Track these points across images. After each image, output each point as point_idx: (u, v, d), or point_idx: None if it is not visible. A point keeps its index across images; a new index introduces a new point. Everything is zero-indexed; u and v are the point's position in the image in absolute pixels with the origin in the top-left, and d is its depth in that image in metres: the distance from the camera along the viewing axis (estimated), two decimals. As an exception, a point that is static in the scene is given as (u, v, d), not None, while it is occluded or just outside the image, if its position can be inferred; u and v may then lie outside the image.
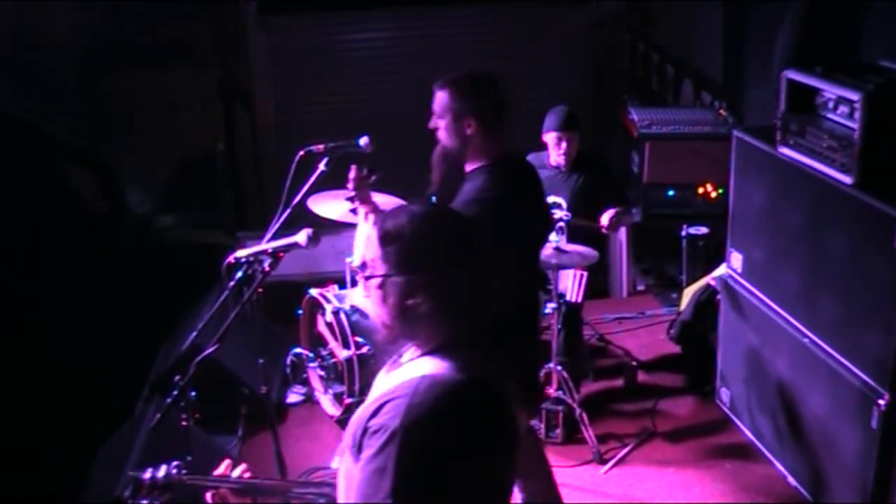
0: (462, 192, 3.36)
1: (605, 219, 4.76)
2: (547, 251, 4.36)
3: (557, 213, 4.74)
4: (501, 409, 1.93)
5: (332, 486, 2.02)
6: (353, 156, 3.67)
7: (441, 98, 3.34)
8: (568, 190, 4.91)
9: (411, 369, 1.90)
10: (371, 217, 3.55)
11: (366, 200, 3.58)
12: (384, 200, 4.27)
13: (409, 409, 1.78)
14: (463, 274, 1.92)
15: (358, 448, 1.83)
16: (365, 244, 1.98)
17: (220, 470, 2.13)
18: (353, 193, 3.57)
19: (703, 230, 5.71)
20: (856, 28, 4.46)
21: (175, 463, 2.04)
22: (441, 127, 3.37)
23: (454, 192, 3.41)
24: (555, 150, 4.91)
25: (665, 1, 7.25)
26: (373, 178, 3.56)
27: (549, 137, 4.91)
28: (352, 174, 3.54)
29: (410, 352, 1.99)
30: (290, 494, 2.20)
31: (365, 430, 1.82)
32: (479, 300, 1.97)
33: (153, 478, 2.00)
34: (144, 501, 1.99)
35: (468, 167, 3.44)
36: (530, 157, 5.08)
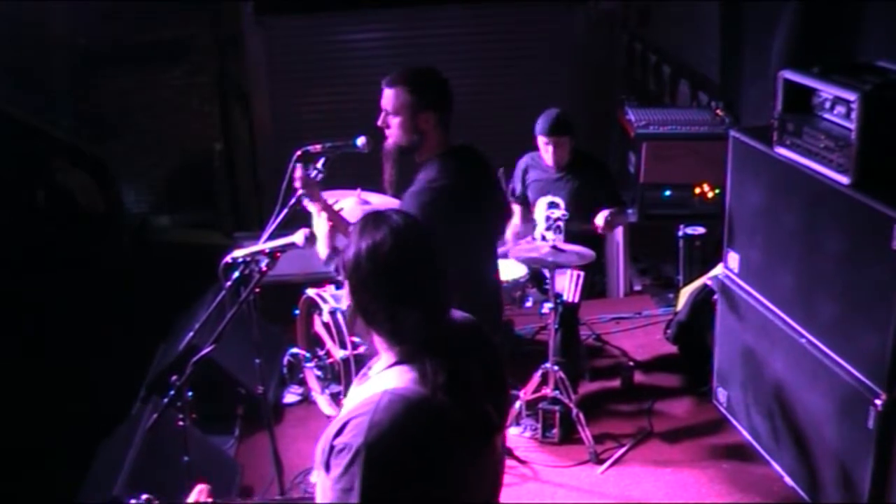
0: (415, 181, 3.43)
1: (599, 219, 4.78)
2: (544, 250, 4.37)
3: (555, 213, 4.75)
4: (466, 421, 1.90)
5: (312, 499, 2.00)
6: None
7: (396, 95, 3.42)
8: (564, 191, 4.91)
9: (377, 383, 1.91)
10: (351, 214, 3.62)
11: (315, 198, 3.58)
12: (380, 200, 4.28)
13: (370, 427, 1.78)
14: (422, 297, 1.92)
15: (326, 466, 1.84)
16: (326, 239, 1.97)
17: (193, 497, 2.11)
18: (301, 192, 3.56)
19: (700, 230, 5.71)
20: (853, 28, 4.46)
21: (144, 497, 1.98)
22: (395, 124, 3.44)
23: (407, 184, 3.47)
24: (545, 154, 4.91)
25: (662, 1, 7.26)
26: (319, 176, 3.57)
27: (539, 141, 4.91)
28: (297, 173, 3.54)
29: (380, 362, 1.99)
30: None
31: (331, 448, 1.82)
32: (442, 313, 1.98)
33: None
34: None
35: (419, 158, 3.51)
36: (526, 158, 5.11)
